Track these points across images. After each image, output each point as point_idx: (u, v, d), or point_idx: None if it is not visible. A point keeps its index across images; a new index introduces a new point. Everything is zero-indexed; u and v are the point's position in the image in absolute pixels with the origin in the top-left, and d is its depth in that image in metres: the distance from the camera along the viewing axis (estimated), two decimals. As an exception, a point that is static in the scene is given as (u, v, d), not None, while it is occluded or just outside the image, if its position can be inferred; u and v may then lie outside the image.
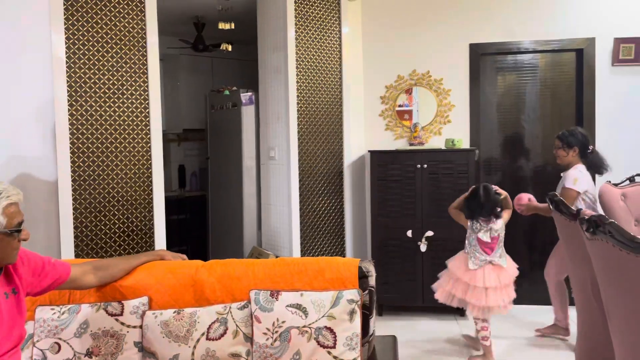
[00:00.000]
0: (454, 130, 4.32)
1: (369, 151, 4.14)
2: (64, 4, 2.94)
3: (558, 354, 3.36)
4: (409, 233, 4.02)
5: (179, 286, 1.94)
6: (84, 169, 3.03)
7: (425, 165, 3.99)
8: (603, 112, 4.14)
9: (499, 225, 3.21)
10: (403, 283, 4.08)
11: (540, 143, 4.34)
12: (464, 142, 4.22)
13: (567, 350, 3.38)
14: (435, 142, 4.31)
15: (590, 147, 3.37)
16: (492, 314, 3.18)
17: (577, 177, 3.26)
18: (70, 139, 2.97)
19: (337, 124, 4.25)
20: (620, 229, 1.45)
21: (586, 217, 1.68)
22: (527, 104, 4.36)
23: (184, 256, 2.11)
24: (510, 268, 3.22)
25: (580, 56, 4.20)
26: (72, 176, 2.98)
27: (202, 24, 4.99)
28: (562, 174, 3.46)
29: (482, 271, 3.15)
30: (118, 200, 3.16)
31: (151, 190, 3.30)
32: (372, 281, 1.85)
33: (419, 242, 4.01)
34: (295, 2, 3.94)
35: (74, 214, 2.99)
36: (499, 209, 3.22)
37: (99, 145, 3.08)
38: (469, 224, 3.30)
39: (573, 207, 3.19)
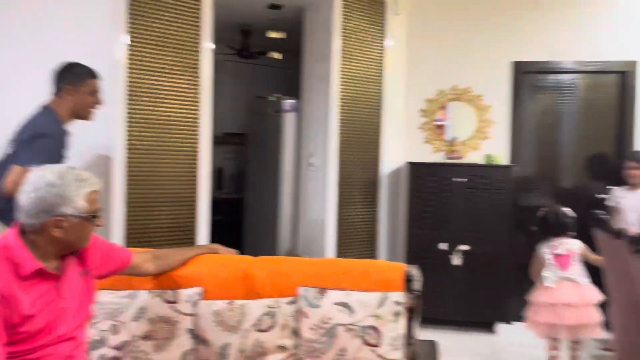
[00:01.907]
0: (493, 147, 4.35)
1: (407, 162, 4.21)
2: (128, 9, 3.11)
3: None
4: (443, 246, 4.06)
5: (231, 279, 2.04)
6: (137, 164, 3.18)
7: (463, 180, 4.03)
8: (643, 134, 4.13)
9: (576, 244, 3.16)
10: (434, 295, 4.10)
11: (577, 163, 4.36)
12: (502, 159, 4.25)
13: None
14: (474, 158, 4.35)
15: None
16: (578, 335, 3.10)
17: None
18: (126, 135, 3.13)
19: (376, 135, 4.33)
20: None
21: (630, 236, 1.73)
22: (566, 124, 4.36)
23: (236, 251, 2.21)
24: (591, 288, 3.10)
25: (623, 79, 4.20)
26: (126, 171, 3.14)
27: (249, 32, 5.16)
28: (629, 192, 3.64)
29: (559, 287, 3.09)
30: (167, 197, 3.31)
31: (197, 189, 3.43)
32: (417, 285, 1.92)
33: (451, 255, 4.05)
34: (343, 15, 4.06)
35: (126, 207, 3.14)
36: (570, 232, 3.20)
37: (153, 142, 3.24)
38: (544, 250, 3.22)
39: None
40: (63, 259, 1.63)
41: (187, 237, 3.39)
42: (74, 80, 2.43)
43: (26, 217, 1.51)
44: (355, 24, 4.15)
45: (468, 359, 3.55)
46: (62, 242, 1.57)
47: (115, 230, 3.09)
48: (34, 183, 1.51)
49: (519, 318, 4.23)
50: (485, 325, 4.14)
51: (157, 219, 3.28)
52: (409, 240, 4.15)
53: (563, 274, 3.12)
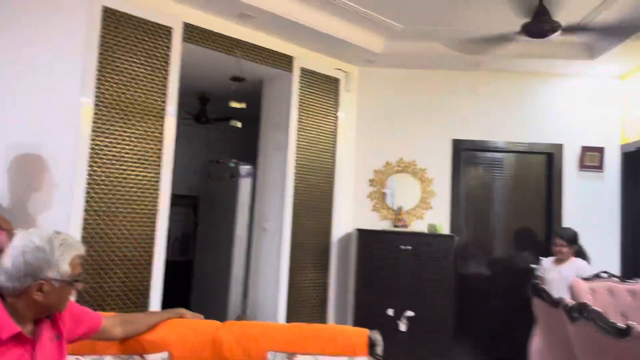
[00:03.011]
0: (435, 216, 4.64)
1: (357, 229, 4.40)
2: (96, 76, 3.20)
3: None
4: (390, 311, 4.20)
5: (198, 344, 2.07)
6: (93, 226, 3.16)
7: (409, 247, 4.25)
8: (570, 210, 4.56)
9: None
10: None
11: (508, 234, 4.73)
12: (444, 228, 4.53)
13: None
14: (418, 226, 4.61)
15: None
16: None
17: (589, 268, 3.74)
18: (85, 197, 3.13)
19: (328, 202, 4.52)
20: (601, 316, 1.70)
21: (569, 305, 1.94)
22: (499, 198, 4.76)
23: (201, 316, 2.24)
24: None
25: (551, 159, 4.67)
26: (82, 233, 3.11)
27: (207, 99, 5.33)
28: (554, 265, 3.86)
29: None
30: (121, 259, 3.28)
31: (152, 252, 3.43)
32: (379, 350, 2.04)
33: (399, 321, 4.19)
34: (300, 89, 4.33)
35: (79, 269, 3.08)
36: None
37: (111, 204, 3.24)
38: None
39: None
40: (37, 322, 1.63)
41: (139, 302, 3.34)
42: None
43: (9, 280, 1.52)
44: (310, 98, 4.42)
45: None
46: (41, 306, 1.58)
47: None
48: (20, 247, 1.54)
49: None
50: (430, 391, 4.25)
51: (109, 282, 3.22)
52: (358, 305, 4.27)
53: None
